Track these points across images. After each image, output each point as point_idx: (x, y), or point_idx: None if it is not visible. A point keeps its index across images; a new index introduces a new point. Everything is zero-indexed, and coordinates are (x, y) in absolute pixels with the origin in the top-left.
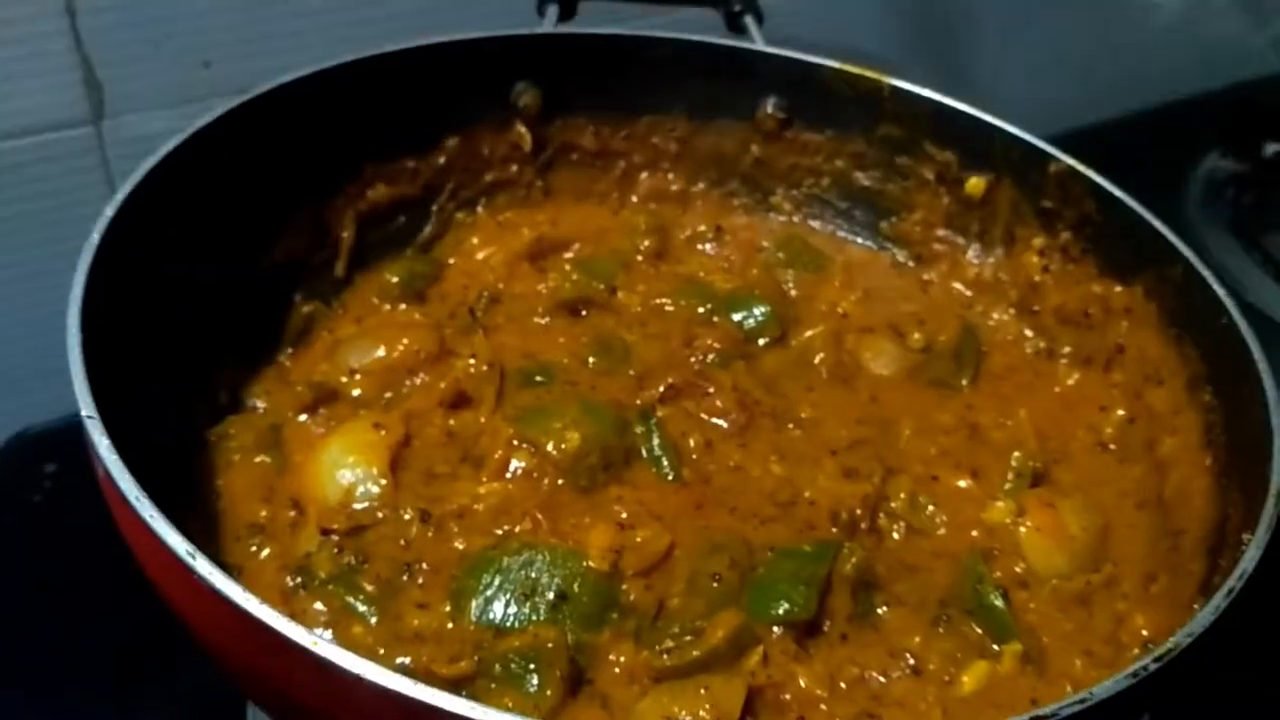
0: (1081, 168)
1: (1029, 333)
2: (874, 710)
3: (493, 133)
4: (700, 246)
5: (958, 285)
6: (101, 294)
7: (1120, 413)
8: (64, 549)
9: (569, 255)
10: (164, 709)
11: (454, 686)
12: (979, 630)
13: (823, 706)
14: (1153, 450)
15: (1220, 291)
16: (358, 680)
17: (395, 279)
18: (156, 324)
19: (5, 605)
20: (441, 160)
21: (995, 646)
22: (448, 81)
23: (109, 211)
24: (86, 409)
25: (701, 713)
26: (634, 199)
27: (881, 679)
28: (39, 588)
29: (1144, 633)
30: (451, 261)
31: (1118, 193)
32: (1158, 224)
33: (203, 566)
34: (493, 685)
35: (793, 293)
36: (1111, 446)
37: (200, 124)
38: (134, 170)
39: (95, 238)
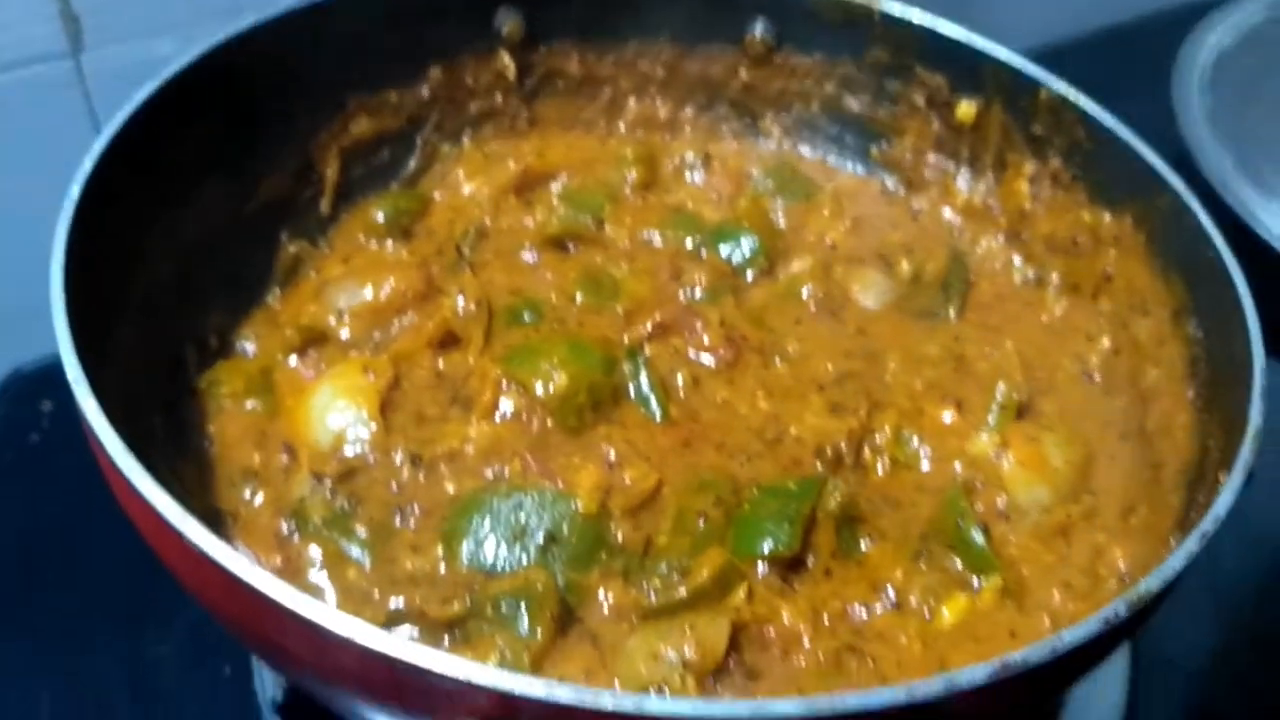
0: (1072, 94)
1: (1018, 261)
2: (856, 644)
3: (476, 62)
4: (688, 175)
5: (947, 212)
6: (84, 246)
7: (1106, 343)
8: (63, 487)
9: (556, 187)
10: (168, 644)
11: (447, 628)
12: (960, 564)
13: (805, 641)
14: (1136, 382)
15: (1207, 223)
16: (348, 641)
17: (381, 216)
18: (142, 271)
19: (4, 544)
20: (425, 92)
21: (975, 580)
22: (429, 11)
23: (87, 164)
24: (73, 372)
25: (687, 651)
26: (621, 126)
27: (863, 613)
28: (38, 526)
29: (1121, 565)
30: (437, 196)
31: (1108, 120)
32: (1147, 152)
33: (193, 530)
34: (484, 626)
35: (781, 223)
36: (1096, 377)
37: (176, 68)
38: (113, 113)
39: (75, 191)
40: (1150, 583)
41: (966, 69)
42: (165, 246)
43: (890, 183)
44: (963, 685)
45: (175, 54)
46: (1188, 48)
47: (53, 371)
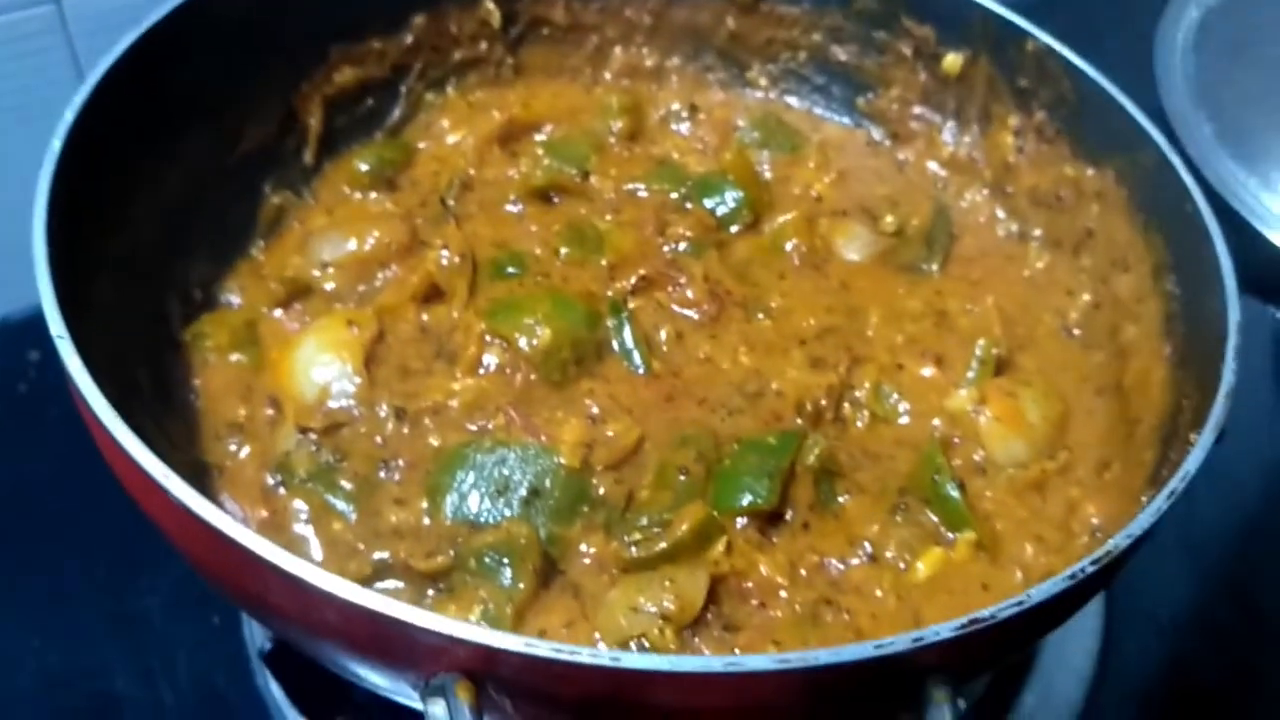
0: (1058, 46)
1: (1001, 214)
2: (831, 596)
3: (460, 9)
4: (674, 126)
5: (932, 165)
6: (67, 200)
7: (1086, 298)
8: (51, 437)
9: (541, 137)
10: (157, 595)
11: (431, 580)
12: (935, 519)
13: (783, 594)
14: (1115, 337)
15: (1188, 179)
16: (331, 596)
17: (365, 166)
18: (125, 223)
19: None
20: (409, 40)
21: (950, 534)
22: None
23: (68, 116)
24: (56, 329)
25: (667, 603)
26: (607, 75)
27: (840, 566)
28: (26, 477)
29: (1094, 520)
30: (422, 146)
31: (1093, 73)
32: (1131, 107)
33: (178, 488)
34: (468, 579)
35: (767, 175)
36: (1076, 332)
37: (157, 16)
38: (96, 59)
39: (56, 145)
40: (1118, 540)
41: (954, 20)
42: (148, 198)
43: (876, 134)
44: (930, 640)
45: None
46: (1173, 6)
47: (40, 321)
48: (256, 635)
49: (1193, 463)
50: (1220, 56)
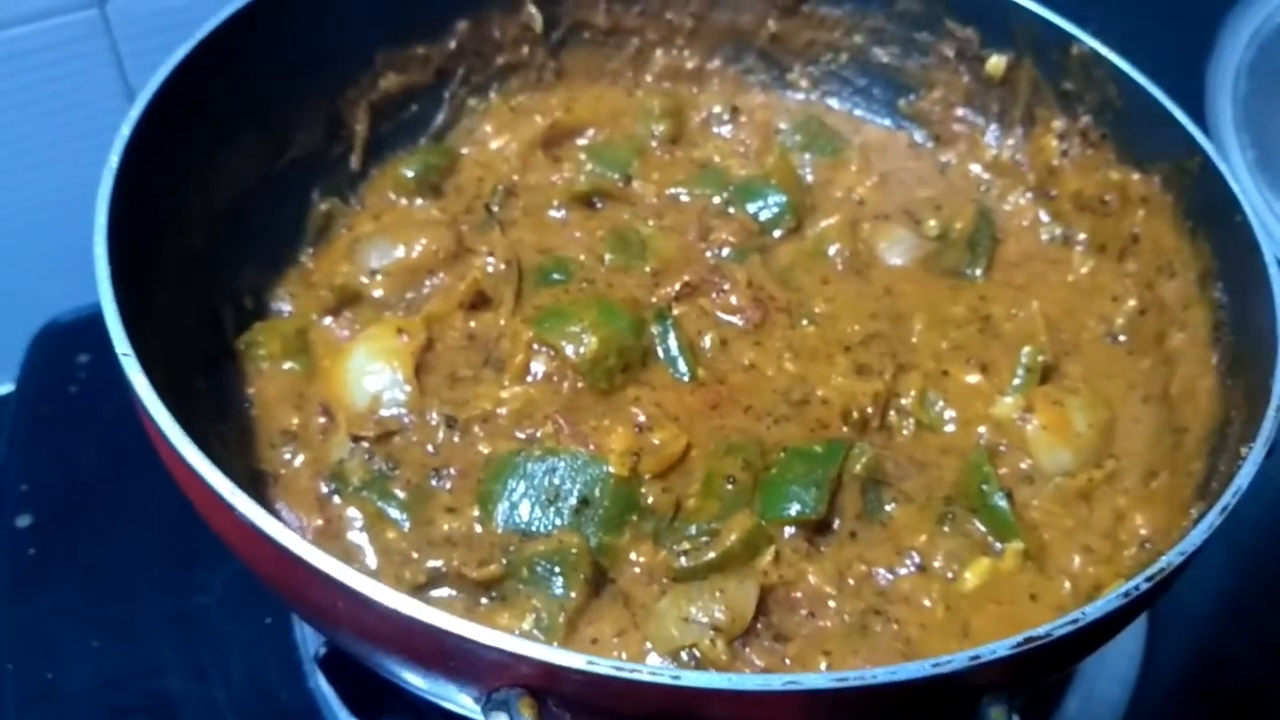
0: (1104, 50)
1: (1045, 218)
2: (880, 606)
3: (503, 14)
4: (716, 129)
5: (975, 168)
6: (123, 215)
7: (1132, 303)
8: (101, 439)
9: (583, 142)
10: (210, 594)
11: (485, 589)
12: (982, 528)
13: (831, 603)
14: (1162, 344)
15: (1236, 188)
16: (397, 613)
17: (410, 173)
18: (179, 234)
19: (46, 496)
20: (452, 45)
21: (998, 544)
22: None
23: (125, 130)
24: (121, 346)
25: (718, 614)
26: (648, 78)
27: (888, 576)
28: (78, 479)
29: (1142, 531)
30: (465, 151)
31: (1140, 78)
32: (1178, 113)
33: (245, 506)
34: (520, 587)
35: (809, 178)
36: (1121, 338)
37: (207, 28)
38: (141, 62)
39: (114, 160)
40: (1172, 557)
41: (997, 22)
42: (199, 207)
43: (919, 136)
44: (987, 659)
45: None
46: (1233, 19)
47: (89, 323)
48: (309, 637)
49: (1244, 478)
50: (1274, 82)
